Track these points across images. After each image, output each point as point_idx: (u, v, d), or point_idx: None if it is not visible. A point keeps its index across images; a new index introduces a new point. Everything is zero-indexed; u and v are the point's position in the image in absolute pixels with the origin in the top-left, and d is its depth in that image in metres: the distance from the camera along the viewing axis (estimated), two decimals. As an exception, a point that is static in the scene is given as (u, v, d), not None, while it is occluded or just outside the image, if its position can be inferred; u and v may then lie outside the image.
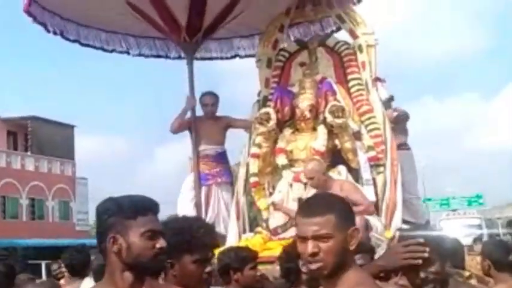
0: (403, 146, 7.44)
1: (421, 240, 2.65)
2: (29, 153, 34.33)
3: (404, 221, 6.65)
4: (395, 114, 7.32)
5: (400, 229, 4.56)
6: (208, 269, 2.65)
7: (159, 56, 8.66)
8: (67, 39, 7.99)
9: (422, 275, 2.69)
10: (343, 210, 2.21)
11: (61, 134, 35.27)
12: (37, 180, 33.65)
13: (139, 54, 8.60)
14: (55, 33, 7.83)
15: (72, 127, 36.85)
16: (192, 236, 2.63)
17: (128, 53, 8.54)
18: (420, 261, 2.57)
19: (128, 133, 69.77)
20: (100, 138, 62.82)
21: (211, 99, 7.55)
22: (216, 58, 8.91)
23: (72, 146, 36.81)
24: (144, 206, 2.15)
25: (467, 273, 3.77)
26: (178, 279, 2.58)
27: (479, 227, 26.72)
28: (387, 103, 7.22)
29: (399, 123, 7.41)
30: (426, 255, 2.59)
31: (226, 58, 8.92)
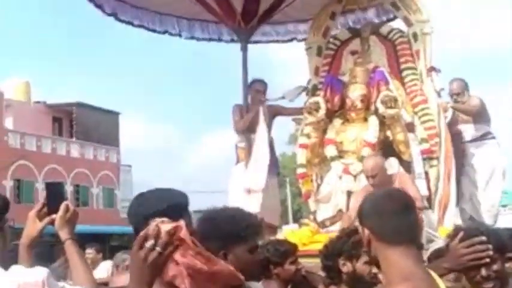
0: (484, 136, 7.21)
1: (484, 238, 2.58)
2: (74, 139, 34.80)
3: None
4: (449, 105, 7.09)
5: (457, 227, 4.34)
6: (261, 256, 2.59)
7: (211, 39, 8.56)
8: (121, 20, 7.97)
9: (483, 273, 2.61)
10: None
11: (106, 120, 35.65)
12: (82, 167, 34.10)
13: (192, 37, 8.52)
14: (109, 14, 7.82)
15: (117, 114, 37.22)
16: (247, 224, 2.56)
17: (180, 36, 8.47)
18: (487, 260, 2.52)
19: (174, 121, 70.23)
20: (145, 125, 63.43)
21: (262, 86, 7.40)
22: (271, 41, 8.76)
23: (117, 133, 37.19)
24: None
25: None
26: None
27: (532, 224, 26.10)
28: (465, 91, 7.04)
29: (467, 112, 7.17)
30: (491, 253, 2.54)
31: (282, 41, 8.76)
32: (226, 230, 2.51)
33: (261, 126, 6.97)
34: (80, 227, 2.66)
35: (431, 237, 5.52)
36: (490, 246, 2.56)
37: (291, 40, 8.64)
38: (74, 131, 34.88)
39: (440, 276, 2.47)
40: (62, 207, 2.48)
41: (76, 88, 63.39)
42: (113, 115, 36.81)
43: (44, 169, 31.41)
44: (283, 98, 7.25)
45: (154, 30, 8.26)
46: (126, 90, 65.44)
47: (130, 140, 58.05)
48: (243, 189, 6.91)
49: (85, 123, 34.43)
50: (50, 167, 31.88)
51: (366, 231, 2.17)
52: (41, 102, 34.45)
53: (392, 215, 2.14)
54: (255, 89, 7.35)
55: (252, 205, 6.49)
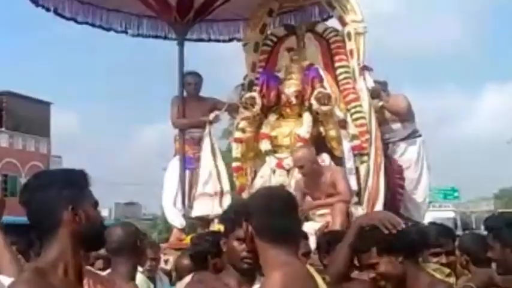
0: (412, 135, 7.42)
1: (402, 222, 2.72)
2: (3, 129, 33.85)
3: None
4: (380, 104, 7.29)
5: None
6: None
7: (157, 37, 8.49)
8: (62, 16, 7.85)
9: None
10: None
11: (37, 110, 34.81)
12: (11, 157, 33.22)
13: (138, 35, 8.47)
14: (48, 9, 7.70)
15: (48, 104, 36.40)
16: (236, 213, 2.68)
17: (126, 33, 8.40)
18: (394, 230, 2.61)
19: (107, 113, 69.10)
20: (78, 116, 62.20)
21: (193, 78, 7.52)
22: (213, 40, 8.77)
23: (48, 123, 36.39)
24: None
25: (447, 271, 3.75)
26: (227, 256, 2.78)
27: (454, 220, 26.95)
28: (383, 90, 7.22)
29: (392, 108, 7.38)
30: (403, 226, 2.67)
31: (223, 41, 8.78)
32: (225, 218, 2.86)
33: (215, 145, 7.26)
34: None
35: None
36: (403, 225, 2.69)
37: (231, 40, 8.66)
38: (4, 121, 33.93)
39: (356, 235, 2.68)
40: None
41: (6, 77, 61.53)
42: (44, 105, 35.98)
43: (-29, 158, 30.48)
44: (230, 104, 7.34)
45: (100, 27, 8.14)
46: (59, 80, 64.03)
47: (61, 130, 56.85)
48: (213, 192, 7.04)
49: (15, 113, 33.53)
50: (-22, 157, 30.96)
51: (250, 228, 2.25)
52: (-31, 91, 33.36)
53: (277, 215, 2.23)
54: (187, 82, 7.47)
55: (224, 205, 6.67)
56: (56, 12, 7.79)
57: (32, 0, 7.53)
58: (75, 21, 7.98)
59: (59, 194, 2.02)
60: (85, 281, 2.06)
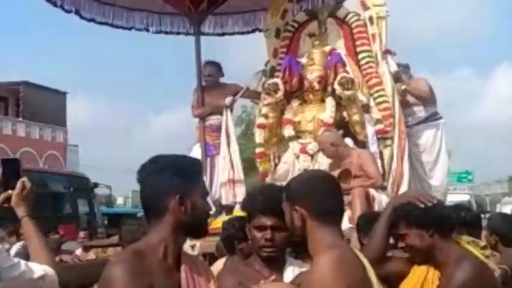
0: (432, 117, 7.42)
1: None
2: (20, 118, 34.06)
3: None
4: (403, 87, 7.29)
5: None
6: (267, 236, 2.72)
7: (178, 33, 8.49)
8: (82, 17, 7.91)
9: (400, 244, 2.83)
10: None
11: (53, 100, 34.95)
12: (28, 146, 33.42)
13: (159, 31, 8.50)
14: (67, 11, 7.75)
15: (64, 94, 36.54)
16: (255, 202, 2.77)
17: (148, 30, 8.44)
18: (428, 204, 2.74)
19: (123, 101, 69.28)
20: (93, 105, 62.44)
21: (209, 69, 7.50)
22: (234, 33, 8.77)
23: (64, 112, 36.54)
24: None
25: (482, 243, 3.77)
26: (251, 244, 2.88)
27: (469, 203, 26.90)
28: (405, 73, 7.21)
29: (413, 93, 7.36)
30: (435, 201, 2.79)
31: (245, 33, 8.74)
32: (246, 207, 2.93)
33: (230, 126, 7.21)
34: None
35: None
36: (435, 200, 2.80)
37: (253, 31, 8.59)
38: (21, 111, 34.13)
39: (389, 216, 2.78)
40: (19, 184, 2.46)
41: (23, 67, 61.87)
42: (60, 95, 36.10)
43: (-10, 148, 30.71)
44: (247, 89, 7.36)
45: (120, 27, 8.20)
46: (75, 70, 64.29)
47: (77, 119, 57.10)
48: (226, 180, 7.06)
49: (32, 103, 33.69)
50: (-4, 147, 31.19)
51: (303, 211, 2.26)
52: (-14, 81, 33.59)
53: (328, 196, 2.29)
54: (203, 73, 7.48)
55: (238, 195, 6.71)
56: (76, 13, 7.84)
57: (51, 1, 7.56)
58: (95, 21, 8.03)
59: (170, 182, 2.09)
60: (182, 267, 2.10)
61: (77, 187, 17.85)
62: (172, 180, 2.09)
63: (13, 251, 6.72)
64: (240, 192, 6.85)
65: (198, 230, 2.17)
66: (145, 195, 2.13)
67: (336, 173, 6.06)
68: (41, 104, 33.72)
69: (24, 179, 2.50)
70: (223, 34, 8.77)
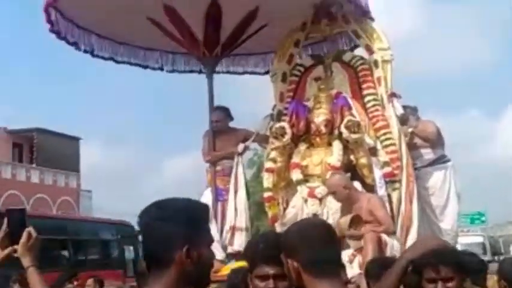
0: (440, 160, 7.40)
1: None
2: (34, 165, 34.31)
3: None
4: (410, 130, 7.29)
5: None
6: (269, 285, 2.61)
7: (192, 71, 8.71)
8: (99, 57, 8.12)
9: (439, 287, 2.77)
10: None
11: (66, 146, 35.26)
12: (42, 193, 33.57)
13: (173, 70, 8.72)
14: (86, 51, 7.97)
15: (77, 139, 36.86)
16: (255, 251, 2.66)
17: (162, 69, 8.66)
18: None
19: (135, 146, 69.53)
20: (106, 151, 62.68)
21: (216, 116, 7.57)
22: (233, 73, 8.99)
23: (78, 158, 36.81)
24: None
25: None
26: None
27: (483, 245, 26.55)
28: (413, 115, 7.23)
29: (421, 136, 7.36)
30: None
31: (259, 73, 8.96)
32: (248, 256, 2.75)
33: (239, 173, 7.29)
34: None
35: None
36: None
37: (267, 72, 8.68)
38: (34, 157, 34.40)
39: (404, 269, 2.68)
40: (25, 234, 2.45)
41: (36, 114, 62.52)
42: (73, 140, 36.43)
43: (4, 195, 30.83)
44: (257, 133, 7.43)
45: (136, 65, 8.43)
46: (87, 116, 64.75)
47: (90, 165, 57.37)
48: (229, 227, 7.12)
49: (45, 149, 33.99)
50: (10, 193, 31.31)
51: (295, 264, 2.21)
52: (1, 128, 33.93)
53: (321, 248, 2.21)
54: (212, 119, 7.56)
55: (237, 243, 6.71)
56: (92, 54, 8.04)
57: (68, 42, 7.74)
58: (114, 60, 8.25)
59: (177, 232, 1.96)
60: None
61: (123, 234, 19.10)
62: (179, 230, 1.95)
63: None
64: (240, 240, 6.83)
65: (203, 281, 2.06)
66: (148, 243, 2.00)
67: (347, 219, 6.04)
68: (54, 150, 34.01)
69: (30, 228, 2.49)
70: (234, 73, 8.97)
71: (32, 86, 63.80)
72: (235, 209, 7.17)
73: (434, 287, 2.79)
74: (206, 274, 2.06)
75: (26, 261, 2.47)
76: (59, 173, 35.18)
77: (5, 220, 2.49)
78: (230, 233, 7.06)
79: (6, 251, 2.46)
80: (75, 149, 36.58)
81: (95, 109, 66.44)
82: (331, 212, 6.55)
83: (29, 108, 60.81)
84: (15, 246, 2.46)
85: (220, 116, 7.58)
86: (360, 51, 7.50)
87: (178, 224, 1.96)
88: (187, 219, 1.98)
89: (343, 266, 4.12)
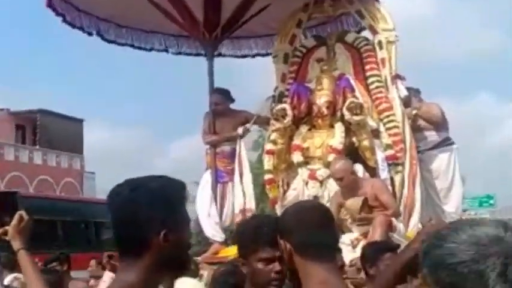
0: (444, 142, 7.30)
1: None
2: (37, 146, 34.33)
3: None
4: (414, 112, 7.19)
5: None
6: (276, 268, 2.52)
7: (197, 55, 8.60)
8: (104, 39, 8.10)
9: None
10: None
11: (70, 127, 35.24)
12: (45, 174, 33.62)
13: (179, 53, 8.68)
14: (90, 34, 7.97)
15: (81, 121, 36.84)
16: (256, 233, 2.55)
17: (167, 51, 8.64)
18: None
19: (138, 127, 69.55)
20: (109, 132, 62.69)
21: (215, 98, 7.46)
22: (235, 56, 8.93)
23: (81, 140, 36.82)
24: None
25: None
26: (250, 278, 2.59)
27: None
28: (416, 97, 7.13)
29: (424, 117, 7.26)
30: None
31: (244, 56, 8.93)
32: (244, 239, 2.64)
33: (244, 160, 7.24)
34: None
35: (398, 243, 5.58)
36: None
37: (267, 54, 8.58)
38: (37, 139, 34.41)
39: (411, 260, 2.53)
40: (16, 216, 2.43)
41: (39, 95, 62.53)
42: (77, 122, 36.41)
43: (7, 177, 30.91)
44: (259, 116, 7.33)
45: (140, 48, 8.43)
46: (90, 97, 64.79)
47: (94, 146, 57.42)
48: (237, 209, 7.08)
49: (48, 131, 33.98)
50: (13, 175, 31.37)
51: (288, 246, 2.15)
52: (4, 110, 33.95)
53: (314, 230, 2.14)
54: (211, 101, 7.47)
55: None
56: (98, 34, 8.04)
57: (73, 25, 7.67)
58: (117, 43, 8.23)
59: (154, 216, 1.77)
60: None
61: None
62: (155, 213, 1.77)
63: (5, 282, 6.64)
64: None
65: (182, 267, 1.92)
66: (121, 227, 1.81)
67: (357, 201, 5.91)
68: (57, 132, 34.03)
69: (22, 212, 2.45)
70: (238, 56, 8.91)
71: (34, 67, 63.80)
72: (243, 192, 7.08)
73: None
74: (185, 257, 1.90)
75: (16, 244, 2.43)
76: (62, 155, 35.20)
77: None
78: (242, 216, 6.98)
79: None
80: (78, 131, 36.58)
81: (99, 91, 66.51)
82: (332, 194, 6.46)
83: (32, 89, 60.86)
84: (6, 228, 2.42)
85: (219, 98, 7.47)
86: (366, 34, 7.37)
87: (154, 207, 1.78)
88: (163, 201, 1.80)
89: (339, 250, 4.03)
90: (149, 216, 1.77)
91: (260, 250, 2.56)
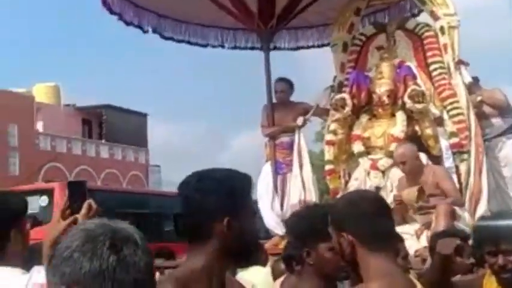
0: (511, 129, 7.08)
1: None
2: (103, 141, 35.16)
3: None
4: (479, 98, 6.97)
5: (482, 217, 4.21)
6: None
7: (253, 48, 8.54)
8: (161, 35, 8.13)
9: (500, 261, 2.65)
10: None
11: (134, 121, 35.94)
12: (111, 168, 34.42)
13: (234, 47, 8.62)
14: (145, 31, 8.01)
15: (145, 115, 37.51)
16: (326, 223, 2.47)
17: (223, 46, 8.59)
18: None
19: (202, 121, 70.36)
20: (173, 126, 63.66)
21: (281, 86, 7.42)
22: (291, 49, 8.80)
23: (146, 133, 37.51)
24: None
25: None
26: (316, 267, 2.58)
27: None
28: (475, 85, 6.90)
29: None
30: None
31: (299, 48, 8.79)
32: (308, 228, 2.57)
33: (304, 151, 7.20)
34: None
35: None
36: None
37: (325, 45, 8.49)
38: (103, 133, 35.25)
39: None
40: (85, 205, 2.44)
41: (105, 90, 64.03)
42: (141, 116, 37.10)
43: (75, 170, 31.78)
44: (317, 106, 7.27)
45: (196, 44, 8.42)
46: (154, 91, 65.87)
47: (159, 140, 58.42)
48: (298, 201, 7.00)
49: (114, 125, 34.75)
50: (81, 168, 32.24)
51: (350, 237, 2.11)
52: (71, 105, 34.94)
53: (374, 220, 2.12)
54: (276, 89, 7.43)
55: None
56: (154, 31, 8.06)
57: (128, 23, 7.77)
58: (173, 39, 8.23)
59: (218, 203, 1.90)
60: None
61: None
62: (220, 202, 1.90)
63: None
64: None
65: (247, 256, 2.01)
66: (188, 215, 1.95)
67: (413, 190, 5.80)
68: (123, 126, 34.75)
69: (90, 200, 2.50)
70: (295, 49, 8.79)
71: (99, 63, 65.24)
72: (303, 183, 7.04)
73: (495, 260, 2.64)
74: (251, 250, 2.00)
75: None
76: (128, 148, 35.94)
77: (66, 192, 2.50)
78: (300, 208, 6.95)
79: (68, 220, 2.43)
80: (143, 125, 37.26)
81: (162, 86, 67.46)
82: (395, 184, 6.34)
83: (97, 85, 62.27)
84: (77, 216, 2.46)
85: (286, 86, 7.45)
86: (423, 18, 7.18)
87: (218, 195, 1.91)
88: (227, 190, 1.92)
89: (400, 240, 3.94)
90: (213, 204, 1.90)
91: (328, 239, 2.48)
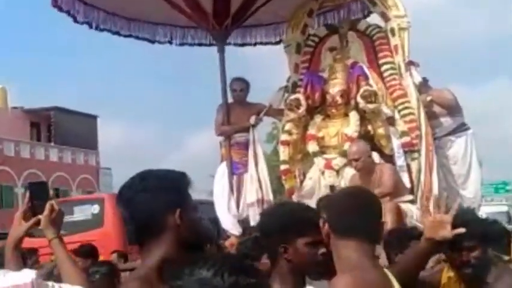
0: (460, 128, 7.22)
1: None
2: (52, 144, 34.54)
3: None
4: (429, 98, 7.13)
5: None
6: (322, 250, 2.51)
7: (201, 45, 8.57)
8: (108, 30, 8.02)
9: (464, 258, 2.75)
10: None
11: (84, 124, 35.41)
12: (61, 171, 33.85)
13: (182, 44, 8.59)
14: (91, 26, 7.88)
15: (95, 117, 37.00)
16: (306, 218, 2.53)
17: (171, 43, 8.54)
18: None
19: (153, 123, 69.69)
20: (124, 128, 62.94)
21: (239, 85, 7.45)
22: (244, 45, 8.80)
23: (96, 136, 36.99)
24: None
25: (506, 258, 3.63)
26: (293, 263, 2.54)
27: (507, 214, 26.37)
28: (425, 86, 7.06)
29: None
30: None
31: (271, 43, 8.77)
32: (285, 224, 2.54)
33: (257, 145, 7.28)
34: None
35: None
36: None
37: (277, 43, 8.55)
38: (52, 136, 34.63)
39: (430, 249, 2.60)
40: (47, 206, 2.45)
41: (53, 93, 62.82)
42: (91, 118, 36.59)
43: (24, 174, 31.13)
44: (271, 106, 7.32)
45: (144, 39, 8.33)
46: (104, 93, 64.91)
47: (110, 142, 57.71)
48: (255, 200, 7.06)
49: (63, 128, 34.18)
50: (29, 172, 31.58)
51: (326, 225, 2.26)
52: (19, 108, 34.22)
53: (347, 211, 2.22)
54: (232, 88, 7.43)
55: None
56: (98, 28, 7.93)
57: (74, 18, 7.66)
58: (119, 34, 8.13)
59: (168, 197, 1.98)
60: None
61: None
62: (169, 195, 1.98)
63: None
64: None
65: (197, 244, 2.05)
66: (137, 216, 1.99)
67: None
68: (72, 129, 34.20)
69: (53, 201, 2.49)
70: (246, 44, 8.78)
71: (46, 64, 64.09)
72: (259, 182, 7.09)
73: (459, 256, 2.73)
74: (201, 235, 2.07)
75: (49, 233, 2.45)
76: (78, 151, 35.40)
77: (27, 194, 2.49)
78: (257, 206, 6.97)
79: (30, 222, 2.45)
80: (92, 127, 36.75)
81: (113, 87, 66.66)
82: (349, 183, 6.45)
83: (46, 87, 61.15)
84: (39, 216, 2.45)
85: (244, 85, 7.48)
86: (374, 19, 7.32)
87: (166, 190, 1.99)
88: (172, 185, 2.01)
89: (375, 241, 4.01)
90: (163, 198, 1.98)
91: (307, 234, 2.54)
